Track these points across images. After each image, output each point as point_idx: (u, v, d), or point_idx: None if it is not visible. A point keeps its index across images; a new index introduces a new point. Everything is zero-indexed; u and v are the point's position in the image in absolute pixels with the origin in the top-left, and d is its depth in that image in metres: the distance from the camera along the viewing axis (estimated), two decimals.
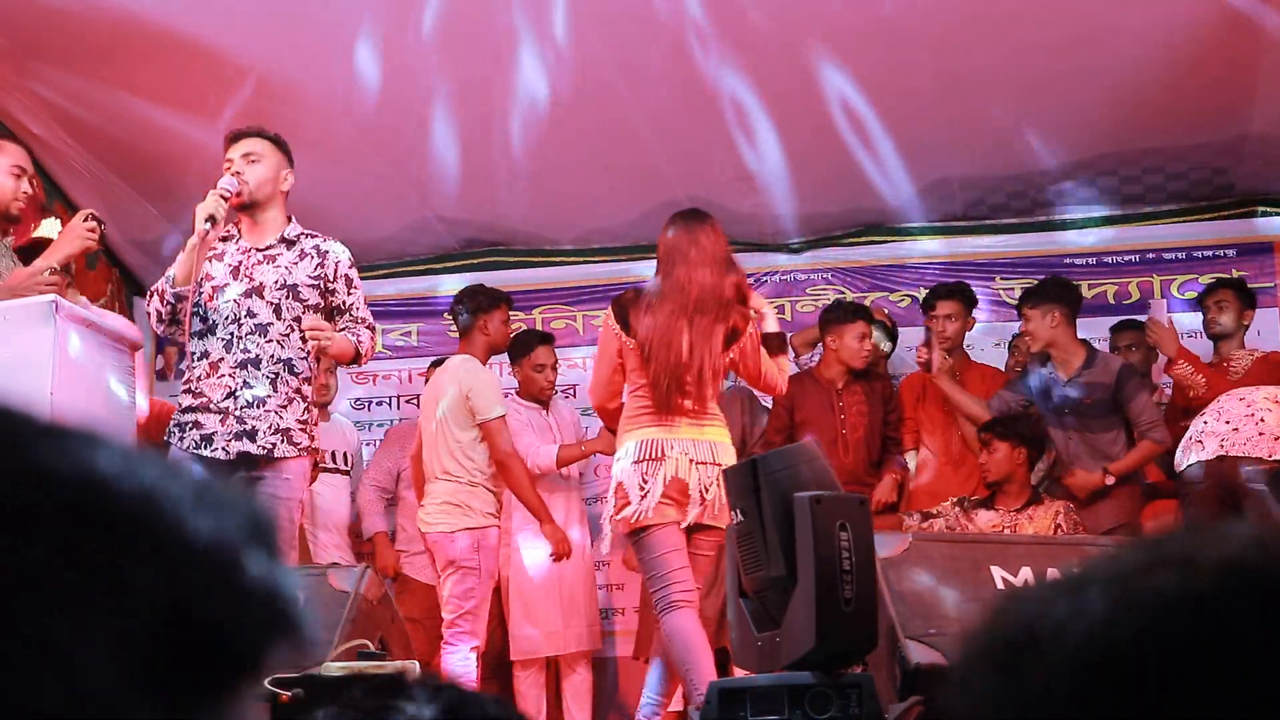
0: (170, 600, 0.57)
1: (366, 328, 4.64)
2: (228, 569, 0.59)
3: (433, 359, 6.73)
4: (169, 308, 4.51)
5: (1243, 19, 5.49)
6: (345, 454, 6.45)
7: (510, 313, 6.03)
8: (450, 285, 7.42)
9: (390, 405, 7.16)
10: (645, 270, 7.24)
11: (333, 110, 6.07)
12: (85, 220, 4.50)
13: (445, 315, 7.42)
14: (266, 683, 3.18)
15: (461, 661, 5.40)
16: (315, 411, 4.70)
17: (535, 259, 7.36)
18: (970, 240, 7.11)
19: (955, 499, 5.81)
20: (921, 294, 6.63)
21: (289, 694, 3.13)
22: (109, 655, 0.55)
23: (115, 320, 4.78)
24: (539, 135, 6.29)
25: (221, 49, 5.62)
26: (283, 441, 4.45)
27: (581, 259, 7.23)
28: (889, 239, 7.14)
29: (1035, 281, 7.06)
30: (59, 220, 6.25)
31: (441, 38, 5.62)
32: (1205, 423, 5.30)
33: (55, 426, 0.61)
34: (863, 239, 7.16)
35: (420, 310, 7.45)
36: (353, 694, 0.90)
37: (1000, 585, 4.04)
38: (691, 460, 4.50)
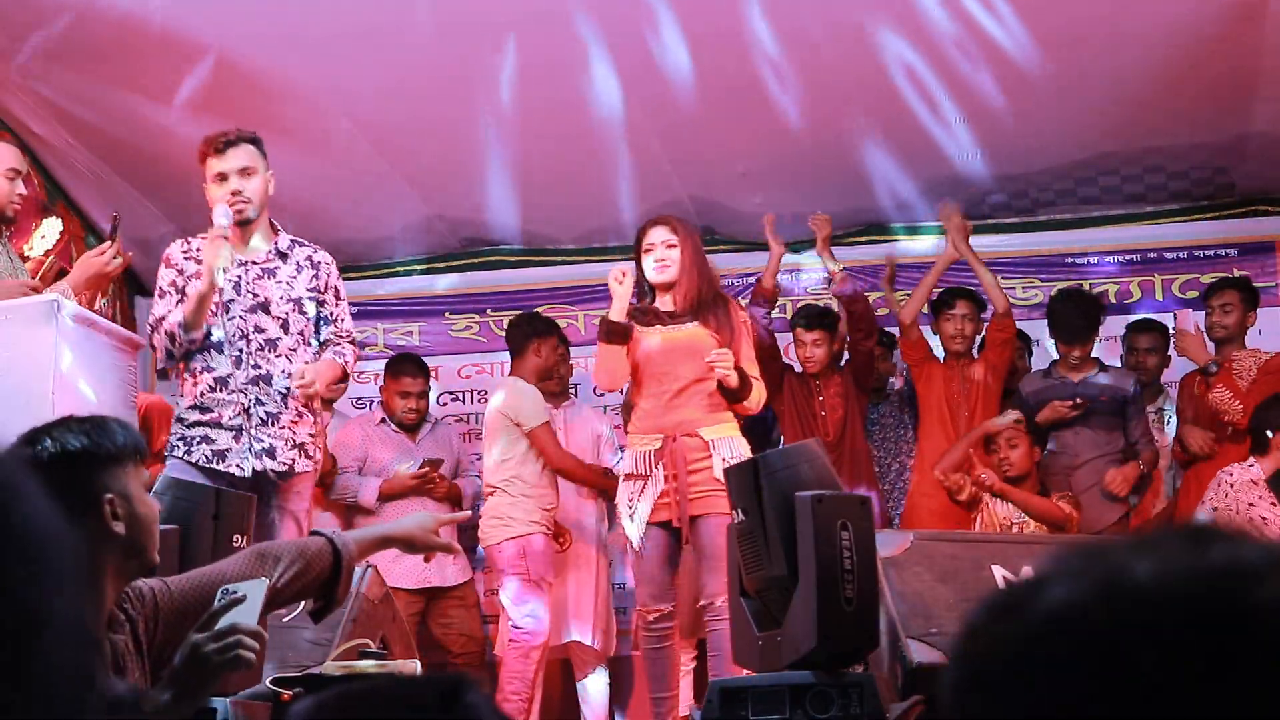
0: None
1: (349, 341, 4.66)
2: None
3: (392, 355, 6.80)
4: (182, 349, 4.43)
5: (1243, 19, 5.49)
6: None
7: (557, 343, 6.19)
8: (450, 285, 7.43)
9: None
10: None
11: (333, 110, 6.07)
12: (103, 253, 4.48)
13: (446, 315, 7.43)
14: (268, 682, 3.18)
15: (520, 659, 5.65)
16: (321, 421, 4.72)
17: (535, 259, 7.36)
18: (970, 240, 7.10)
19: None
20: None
21: (289, 694, 3.13)
22: None
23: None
24: (540, 134, 6.29)
25: (222, 49, 5.62)
26: (301, 457, 4.46)
27: (581, 259, 7.23)
28: (889, 239, 7.14)
29: (1036, 281, 7.05)
30: (60, 220, 6.26)
31: (441, 37, 5.62)
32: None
33: None
34: (863, 239, 7.16)
35: (420, 310, 7.45)
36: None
37: (1001, 585, 4.04)
38: None
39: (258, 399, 4.42)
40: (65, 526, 0.72)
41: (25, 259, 5.42)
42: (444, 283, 7.40)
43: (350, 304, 7.36)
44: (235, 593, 2.40)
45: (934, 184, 6.74)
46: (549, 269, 7.32)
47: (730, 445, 4.67)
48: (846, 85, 5.97)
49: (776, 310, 6.69)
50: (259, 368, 4.43)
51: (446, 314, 7.44)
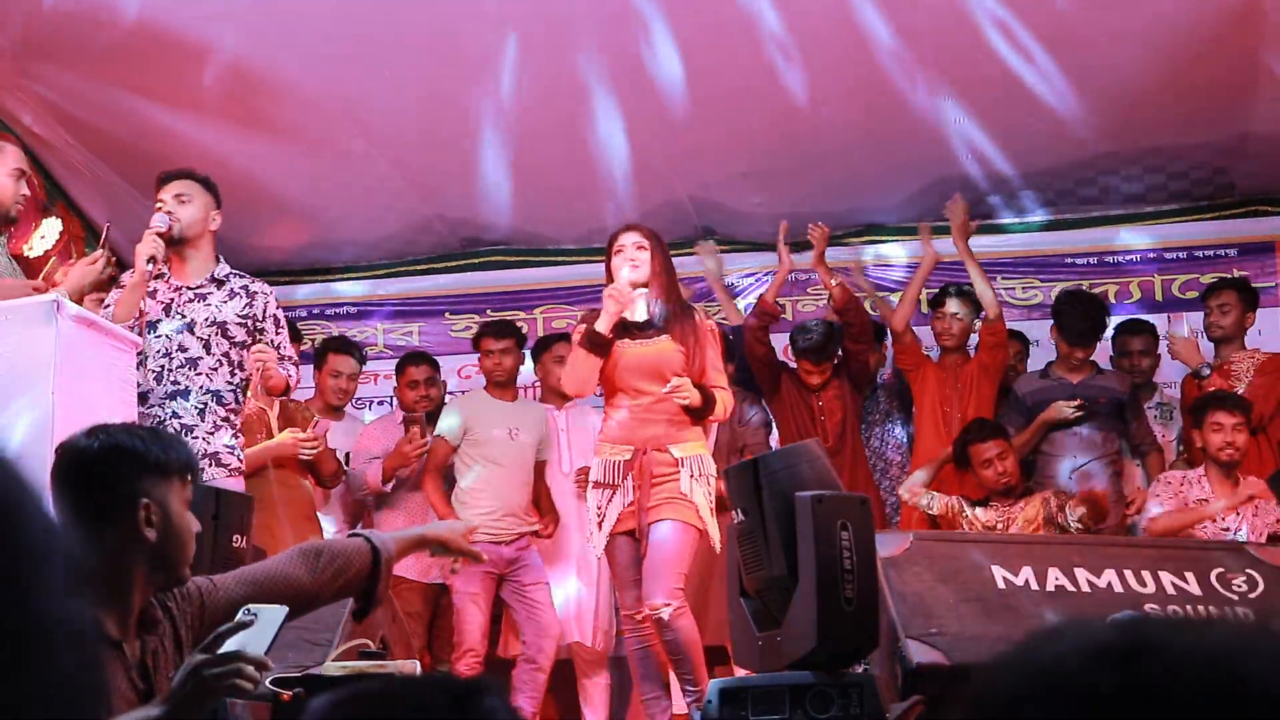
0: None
1: (292, 364, 4.88)
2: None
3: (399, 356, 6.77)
4: None
5: (1243, 19, 5.49)
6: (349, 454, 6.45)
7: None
8: (450, 285, 7.43)
9: (390, 405, 7.15)
10: None
11: (333, 110, 6.07)
12: (95, 261, 4.60)
13: (446, 315, 7.43)
14: (267, 682, 3.18)
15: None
16: (319, 428, 4.80)
17: (535, 259, 7.36)
18: (970, 240, 7.10)
19: (959, 498, 5.76)
20: (923, 293, 6.62)
21: (289, 694, 3.13)
22: None
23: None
24: (539, 134, 6.29)
25: (222, 49, 5.62)
26: (211, 464, 4.60)
27: (581, 259, 7.23)
28: (889, 239, 7.14)
29: (1036, 281, 7.05)
30: (60, 220, 6.26)
31: (441, 38, 5.62)
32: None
33: None
34: (863, 239, 7.16)
35: (420, 310, 7.45)
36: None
37: (1001, 585, 4.03)
38: None
39: (174, 413, 4.63)
40: (68, 531, 0.73)
41: (24, 259, 5.42)
42: (444, 283, 7.40)
43: (350, 304, 7.48)
44: (253, 614, 2.40)
45: (934, 184, 6.74)
46: (549, 269, 7.33)
47: (699, 463, 4.72)
48: (847, 84, 5.97)
49: (810, 306, 6.72)
50: (178, 384, 4.65)
51: (446, 314, 7.44)
